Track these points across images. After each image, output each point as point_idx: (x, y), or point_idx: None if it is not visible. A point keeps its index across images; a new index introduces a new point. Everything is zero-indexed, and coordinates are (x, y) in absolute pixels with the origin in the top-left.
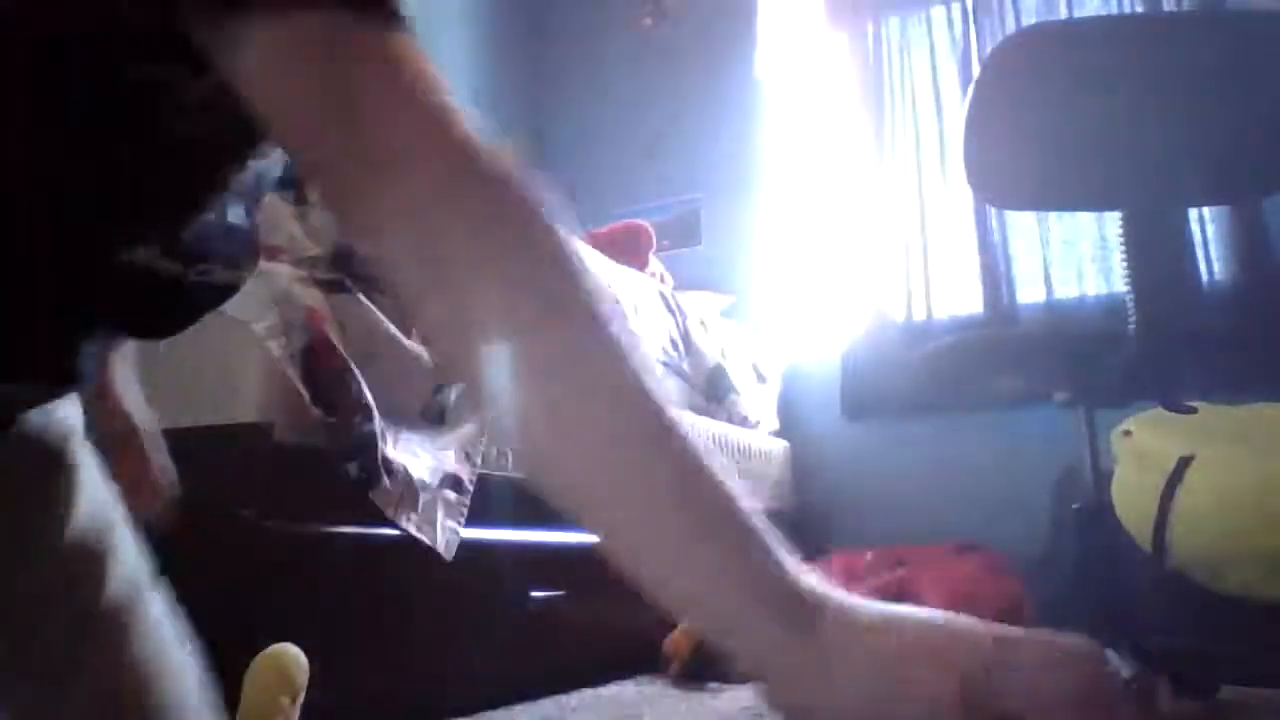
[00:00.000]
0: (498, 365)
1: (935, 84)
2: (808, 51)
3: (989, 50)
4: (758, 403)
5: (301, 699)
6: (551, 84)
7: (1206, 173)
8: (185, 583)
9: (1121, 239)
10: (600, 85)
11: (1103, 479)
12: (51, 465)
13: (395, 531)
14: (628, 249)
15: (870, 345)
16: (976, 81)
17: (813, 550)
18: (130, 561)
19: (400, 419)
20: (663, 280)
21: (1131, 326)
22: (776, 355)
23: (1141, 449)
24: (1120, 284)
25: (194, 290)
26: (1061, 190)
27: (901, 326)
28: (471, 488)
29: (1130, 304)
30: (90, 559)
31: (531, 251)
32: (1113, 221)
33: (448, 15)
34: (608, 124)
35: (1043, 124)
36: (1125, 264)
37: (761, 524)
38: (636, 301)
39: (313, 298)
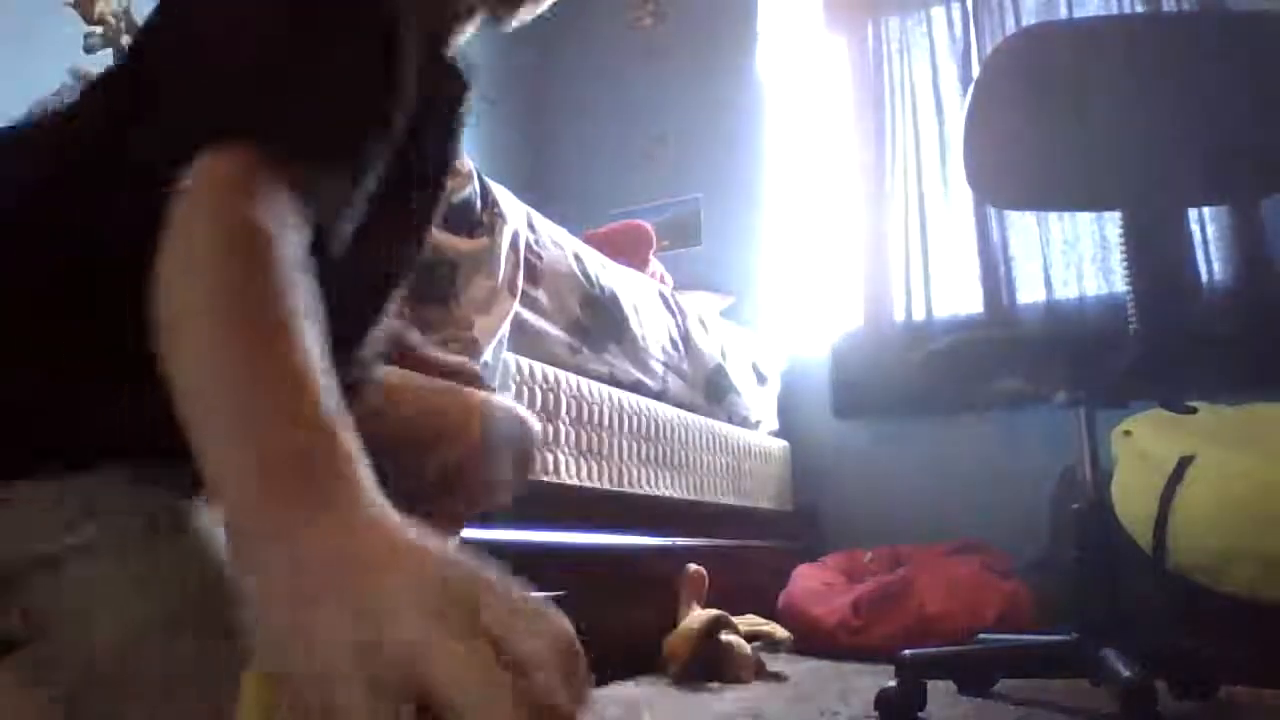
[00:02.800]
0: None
1: (935, 84)
2: (808, 52)
3: (989, 50)
4: (758, 403)
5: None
6: (551, 84)
7: (1206, 173)
8: None
9: (1121, 239)
10: (600, 85)
11: (1103, 479)
12: None
13: None
14: (628, 249)
15: (869, 345)
16: (976, 82)
17: (813, 549)
18: None
19: None
20: (663, 280)
21: (1131, 326)
22: (776, 355)
23: (1141, 449)
24: (1120, 284)
25: None
26: (1061, 190)
27: (901, 326)
28: None
29: (1130, 304)
30: None
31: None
32: (1113, 221)
33: None
34: (607, 124)
35: (1042, 124)
36: (1125, 264)
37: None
38: (636, 301)
39: None
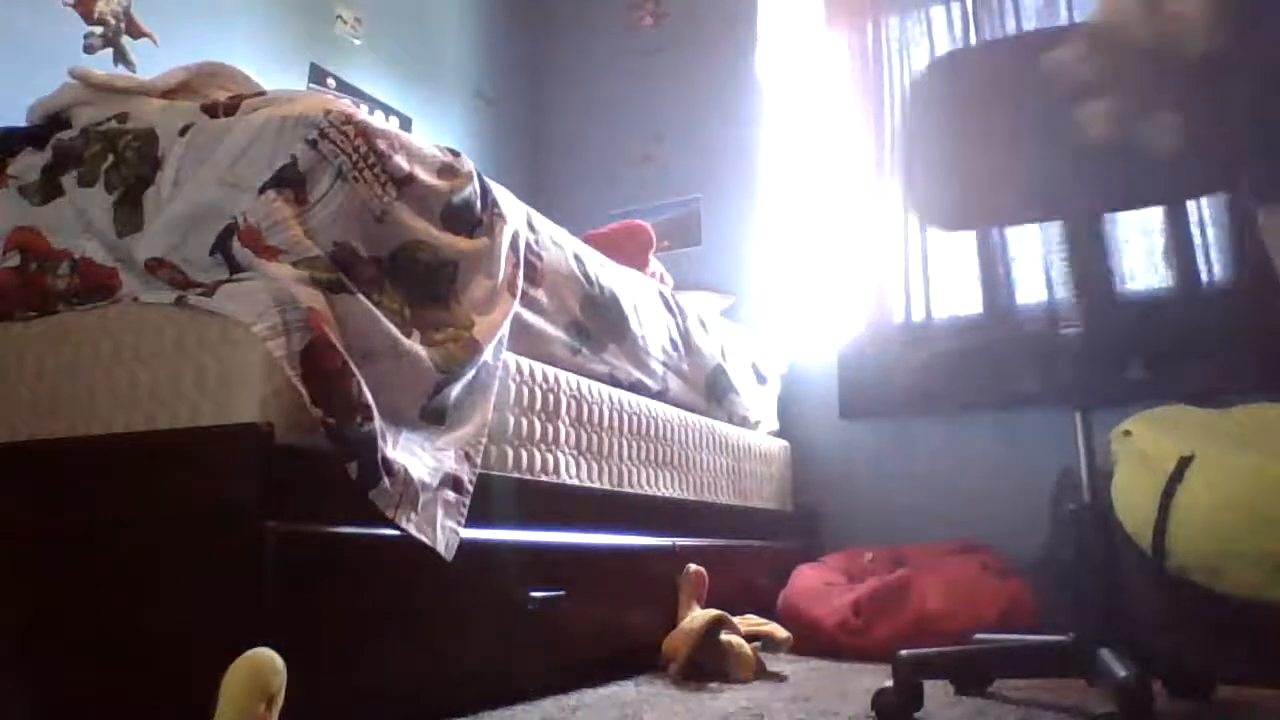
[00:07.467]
0: None
1: None
2: (808, 51)
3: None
4: (758, 403)
5: (280, 704)
6: (552, 84)
7: (1121, 183)
8: (184, 582)
9: (1063, 245)
10: (600, 85)
11: (1102, 479)
12: None
13: (395, 531)
14: (628, 249)
15: (869, 345)
16: (903, 112)
17: (813, 549)
18: None
19: (400, 419)
20: (663, 280)
21: (1132, 327)
22: (776, 355)
23: (1141, 449)
24: (1122, 285)
25: None
26: (995, 207)
27: (901, 327)
28: (471, 488)
29: (1129, 304)
30: None
31: None
32: (1111, 224)
33: (449, 15)
34: (608, 124)
35: (967, 146)
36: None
37: None
38: (636, 301)
39: (313, 298)
